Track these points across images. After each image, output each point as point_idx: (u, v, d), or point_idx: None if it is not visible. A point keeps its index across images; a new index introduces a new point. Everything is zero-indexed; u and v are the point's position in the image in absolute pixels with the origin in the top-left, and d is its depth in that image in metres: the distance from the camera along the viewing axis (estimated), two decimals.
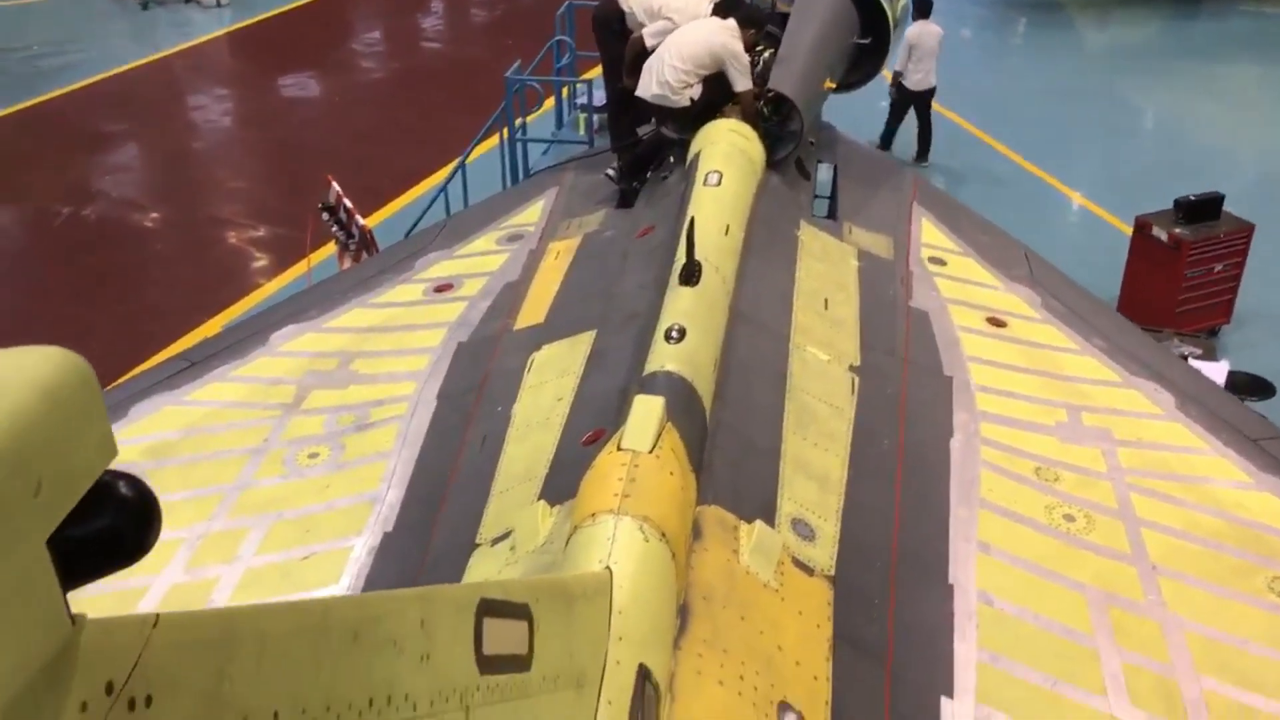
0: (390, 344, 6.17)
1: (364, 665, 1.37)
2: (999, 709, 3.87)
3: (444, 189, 10.55)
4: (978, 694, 3.93)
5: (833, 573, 4.15)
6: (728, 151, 6.30)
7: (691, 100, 6.75)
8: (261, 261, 12.68)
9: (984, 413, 5.37)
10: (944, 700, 3.89)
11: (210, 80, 19.11)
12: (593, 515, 3.50)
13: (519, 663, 2.03)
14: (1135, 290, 9.88)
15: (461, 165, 10.64)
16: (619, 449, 3.76)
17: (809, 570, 4.09)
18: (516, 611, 2.04)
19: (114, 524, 0.96)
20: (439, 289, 6.70)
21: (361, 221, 9.26)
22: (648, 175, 7.21)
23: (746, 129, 6.63)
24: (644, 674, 3.05)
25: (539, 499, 4.31)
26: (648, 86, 6.84)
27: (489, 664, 1.82)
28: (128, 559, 0.97)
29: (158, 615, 1.03)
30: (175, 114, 17.54)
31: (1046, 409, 5.47)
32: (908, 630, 4.10)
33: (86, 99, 17.80)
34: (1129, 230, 10.74)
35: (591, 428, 4.63)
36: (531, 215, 7.41)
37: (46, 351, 0.97)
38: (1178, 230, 9.69)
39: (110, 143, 16.28)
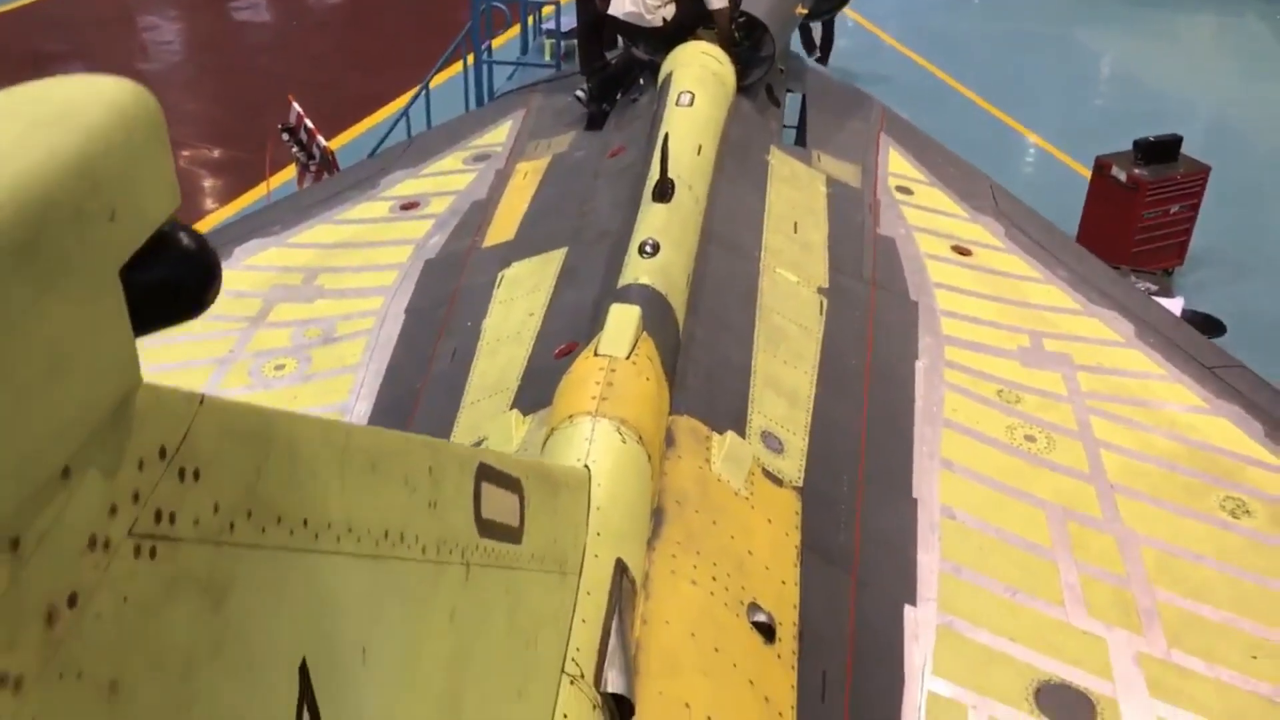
0: (357, 260, 6.12)
1: (381, 496, 1.38)
2: (960, 616, 3.97)
3: (405, 112, 10.41)
4: (940, 602, 4.03)
5: (801, 484, 4.21)
6: (700, 74, 6.27)
7: (664, 20, 6.69)
8: (218, 184, 12.46)
9: (948, 337, 5.44)
10: (907, 608, 3.98)
11: (157, 2, 18.60)
12: (570, 417, 3.52)
13: (511, 534, 2.05)
14: (1092, 230, 9.99)
15: (425, 87, 10.49)
16: (596, 354, 3.78)
17: (778, 481, 4.15)
18: (510, 484, 2.05)
19: (176, 274, 0.95)
20: (405, 206, 6.64)
21: (323, 142, 9.12)
22: (618, 97, 7.16)
23: (718, 51, 6.60)
24: (621, 568, 3.10)
25: (511, 409, 4.33)
26: (621, 5, 6.77)
27: (486, 528, 1.84)
28: (187, 313, 0.96)
29: (203, 395, 1.02)
30: (122, 36, 17.08)
31: (1009, 334, 5.55)
32: (873, 541, 4.19)
33: (26, 19, 17.27)
34: (1086, 173, 10.85)
35: (563, 341, 4.64)
36: (499, 136, 7.34)
37: (119, 80, 0.94)
38: (1136, 171, 9.80)
39: (53, 65, 15.83)
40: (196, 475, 1.00)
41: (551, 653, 2.45)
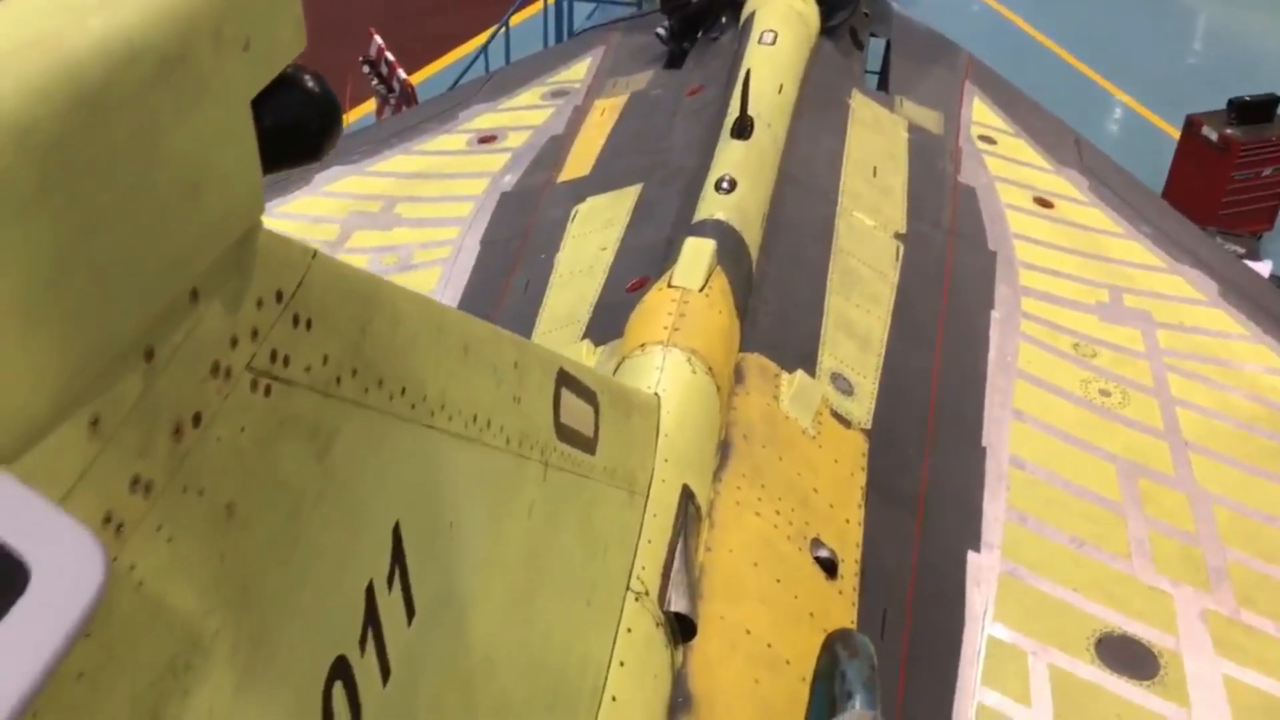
0: (434, 190, 6.17)
1: (471, 380, 1.41)
2: (1024, 565, 3.95)
3: (484, 49, 10.41)
4: (1004, 549, 4.01)
5: (869, 427, 4.20)
6: (784, 13, 6.19)
7: None
8: None
9: (1026, 288, 5.36)
10: (970, 553, 3.97)
11: None
12: (641, 346, 3.54)
13: (587, 444, 2.08)
14: (1179, 190, 9.74)
15: (504, 24, 10.47)
16: (669, 286, 3.79)
17: (846, 422, 4.14)
18: (587, 395, 2.08)
19: (300, 115, 0.98)
20: (483, 140, 6.67)
21: (403, 75, 9.17)
22: (698, 36, 7.09)
23: None
24: (688, 494, 3.13)
25: (582, 340, 4.36)
26: None
27: (563, 432, 1.87)
28: (308, 156, 0.99)
29: (316, 250, 1.06)
30: None
31: (1088, 288, 5.46)
32: (939, 487, 4.17)
33: None
34: (1175, 133, 10.55)
35: (636, 276, 4.65)
36: (577, 73, 7.32)
37: None
38: (1229, 131, 9.52)
39: None
40: (309, 325, 1.04)
41: (618, 568, 2.49)
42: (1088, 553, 4.04)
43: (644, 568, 2.75)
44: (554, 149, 6.31)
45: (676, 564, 2.92)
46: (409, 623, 1.25)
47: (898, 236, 5.32)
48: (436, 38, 13.90)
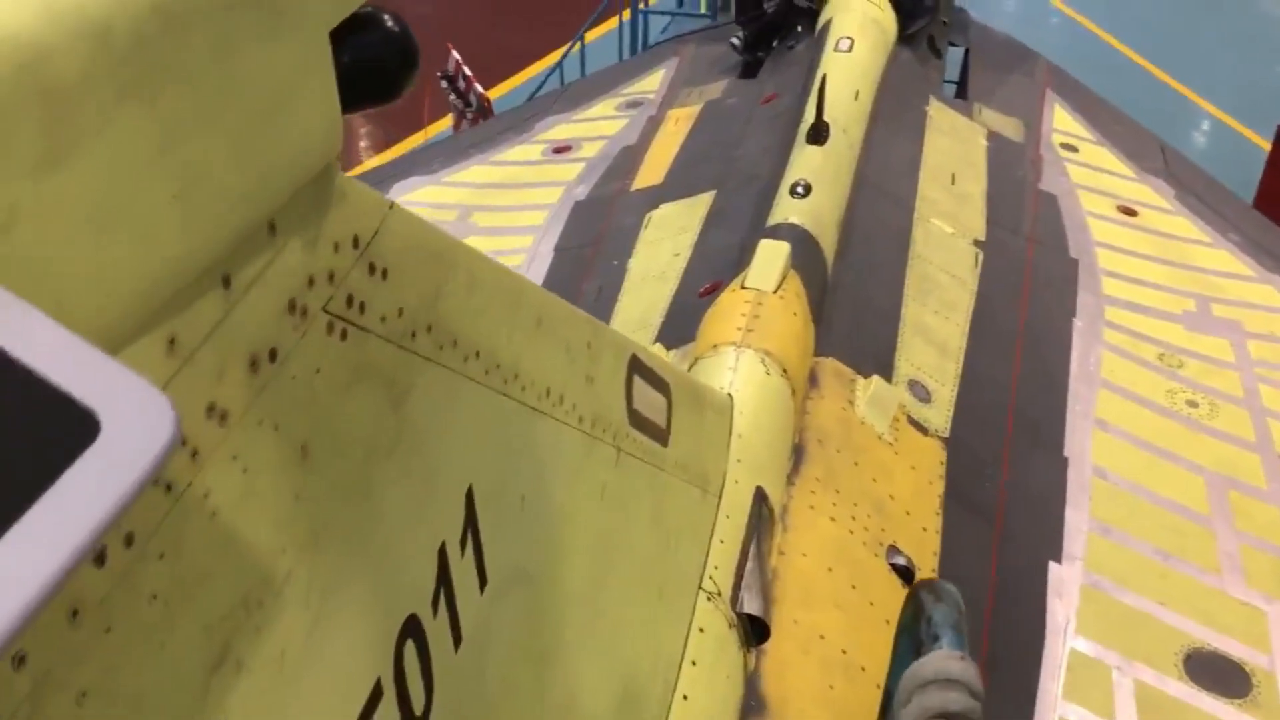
0: (509, 200, 6.21)
1: (544, 353, 1.40)
2: (1107, 577, 3.84)
3: (560, 64, 10.49)
4: (1086, 561, 3.90)
5: (947, 435, 4.12)
6: (860, 20, 6.14)
7: None
8: (376, 131, 12.78)
9: (1109, 297, 5.24)
10: (1052, 564, 3.87)
11: None
12: (714, 347, 3.52)
13: (659, 434, 2.06)
14: (1271, 201, 9.44)
15: (579, 38, 10.55)
16: (743, 287, 3.76)
17: (924, 430, 4.07)
18: (659, 384, 2.06)
19: (380, 53, 0.98)
20: (558, 150, 6.70)
21: (480, 90, 9.27)
22: (773, 46, 7.07)
23: None
24: (761, 496, 3.09)
25: (655, 343, 4.34)
26: None
27: (636, 419, 1.85)
28: (385, 95, 0.99)
29: (392, 201, 1.06)
30: None
31: (1174, 297, 5.31)
32: (1020, 496, 4.07)
33: None
34: (1265, 145, 10.26)
35: (708, 281, 4.63)
36: (652, 83, 7.34)
37: None
38: None
39: None
40: (385, 275, 1.04)
41: (690, 565, 2.46)
42: (1175, 566, 3.92)
43: (716, 568, 2.71)
44: (627, 158, 6.32)
45: (750, 566, 2.88)
46: (481, 591, 1.24)
47: (976, 243, 5.24)
48: (513, 54, 14.04)
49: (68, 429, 0.53)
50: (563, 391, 1.46)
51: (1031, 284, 5.16)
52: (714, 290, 4.32)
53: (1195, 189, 6.33)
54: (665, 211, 5.47)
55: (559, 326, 1.47)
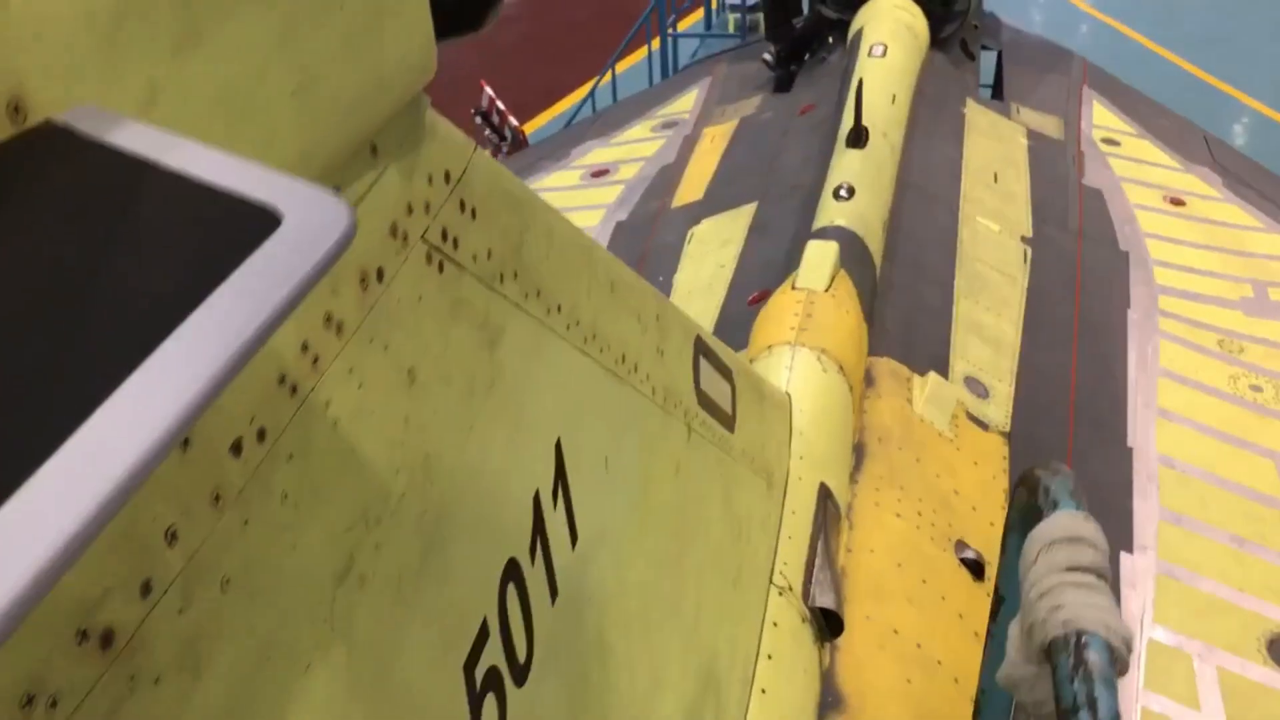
0: None
1: (618, 318, 1.40)
2: (1181, 565, 3.77)
3: (592, 94, 10.58)
4: (1159, 550, 3.83)
5: (1008, 430, 4.08)
6: (892, 26, 6.14)
7: None
8: None
9: (1163, 286, 5.17)
10: (1124, 555, 3.80)
11: None
12: (769, 348, 3.50)
13: (725, 419, 2.05)
14: None
15: (611, 66, 10.63)
16: (794, 288, 3.75)
17: (984, 425, 4.03)
18: (724, 371, 2.05)
19: None
20: (596, 174, 6.74)
21: (514, 123, 9.35)
22: (805, 59, 7.08)
23: (911, 5, 6.45)
24: (825, 493, 3.06)
25: None
26: None
27: (703, 399, 1.84)
28: (473, 23, 1.01)
29: (474, 143, 1.07)
30: None
31: (1230, 284, 5.24)
32: (1086, 488, 3.99)
33: None
34: None
35: (756, 290, 4.62)
36: (686, 104, 7.37)
37: None
38: None
39: None
40: (474, 214, 1.05)
41: (762, 556, 2.44)
42: (1250, 551, 3.83)
43: (786, 563, 2.69)
44: (666, 177, 6.34)
45: (819, 561, 2.85)
46: (573, 546, 1.23)
47: (1024, 240, 5.20)
48: (546, 89, 14.16)
49: (254, 223, 0.55)
50: (637, 360, 1.45)
51: (1083, 278, 5.11)
52: (762, 298, 4.31)
53: (1243, 176, 6.26)
54: (708, 226, 5.47)
55: (630, 294, 1.47)
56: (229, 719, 0.76)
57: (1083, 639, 1.16)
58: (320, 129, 0.84)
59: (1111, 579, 1.29)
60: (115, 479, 0.46)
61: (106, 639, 0.66)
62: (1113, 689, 1.14)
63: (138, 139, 0.60)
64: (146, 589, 0.69)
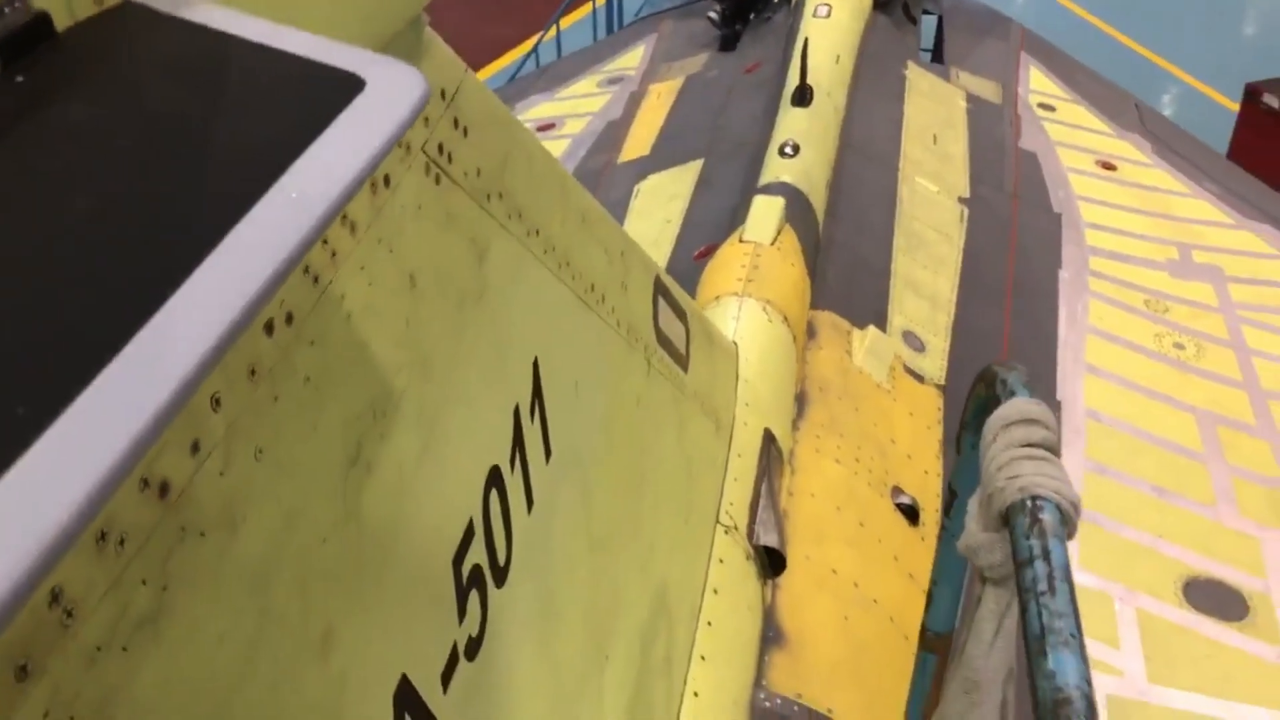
0: None
1: (588, 249, 1.46)
2: (1105, 514, 3.93)
3: (535, 50, 10.52)
4: (1084, 499, 3.98)
5: (943, 383, 4.20)
6: None
7: None
8: None
9: (1093, 248, 5.34)
10: None
11: None
12: (716, 298, 3.58)
13: (680, 359, 2.12)
14: (1242, 159, 9.55)
15: (555, 22, 10.58)
16: (741, 241, 3.82)
17: (920, 378, 4.15)
18: (679, 312, 2.12)
19: None
20: (541, 128, 6.74)
21: None
22: (750, 18, 7.13)
23: None
24: (769, 437, 3.15)
25: None
26: None
27: (661, 338, 1.91)
28: None
29: (465, 66, 1.12)
30: None
31: (1157, 246, 5.42)
32: None
33: None
34: (1234, 107, 10.40)
35: (702, 245, 4.69)
36: (632, 60, 7.39)
37: None
38: None
39: None
40: (466, 132, 1.10)
41: (709, 497, 2.52)
42: (1170, 500, 4.01)
43: (732, 503, 2.78)
44: (612, 133, 6.37)
45: (763, 502, 2.94)
46: (547, 460, 1.30)
47: (961, 201, 5.32)
48: (489, 44, 14.02)
49: (341, 87, 0.61)
50: (604, 292, 1.52)
51: (1017, 238, 5.25)
52: (709, 253, 4.38)
53: (1171, 143, 6.44)
54: (654, 181, 5.52)
55: (598, 227, 1.53)
56: (258, 578, 0.83)
57: (1037, 502, 1.30)
58: (343, 32, 0.88)
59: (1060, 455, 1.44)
60: (265, 276, 0.54)
61: (164, 489, 0.73)
62: (1063, 544, 1.28)
63: (214, 16, 0.66)
64: (195, 448, 0.76)
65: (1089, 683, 1.12)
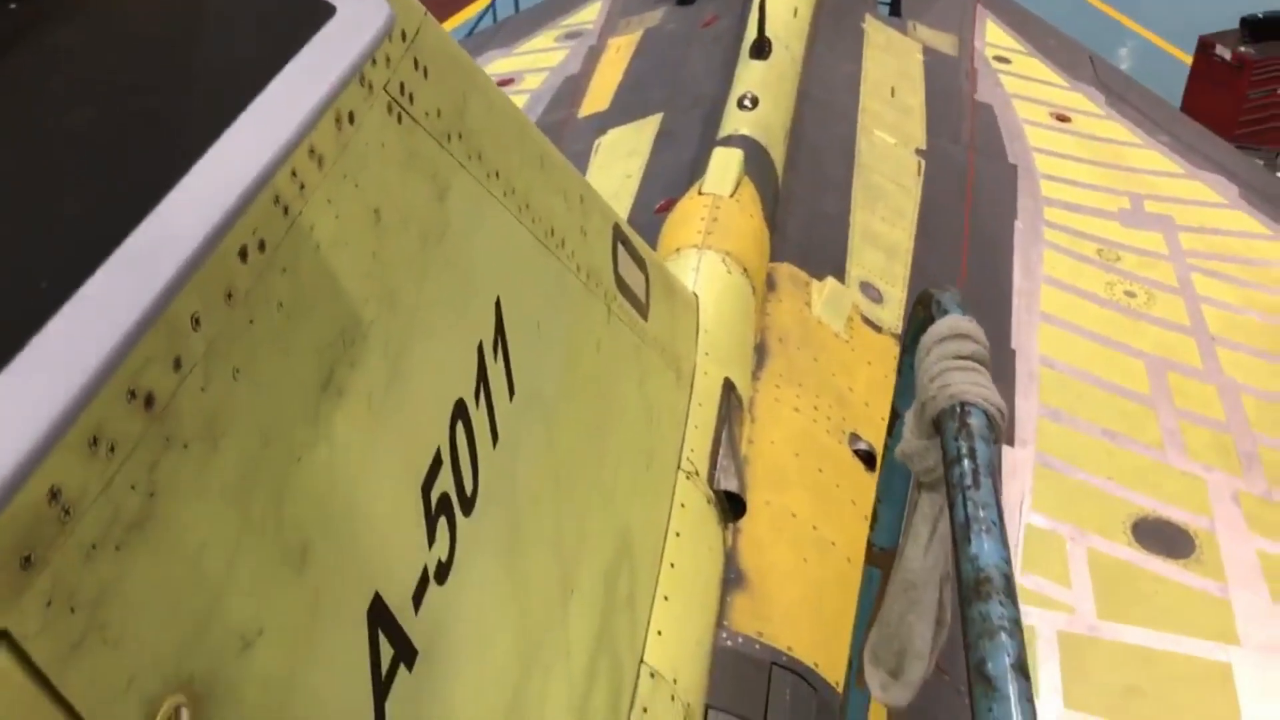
0: None
1: (547, 193, 1.50)
2: (1058, 457, 4.03)
3: (493, 3, 10.43)
4: (1038, 444, 4.09)
5: (900, 331, 4.27)
6: None
7: None
8: None
9: (1048, 199, 5.42)
10: (1005, 449, 4.05)
11: None
12: (677, 250, 3.61)
13: (640, 307, 2.16)
14: (1195, 111, 9.66)
15: None
16: (700, 194, 3.86)
17: (877, 328, 4.21)
18: (639, 261, 2.16)
19: None
20: (500, 84, 6.69)
21: None
22: None
23: None
24: (729, 386, 3.21)
25: None
26: None
27: (621, 285, 1.95)
28: None
29: (424, 9, 1.15)
30: None
31: (1109, 196, 5.51)
32: None
33: None
34: (1188, 59, 10.52)
35: (663, 199, 4.72)
36: (590, 14, 7.36)
37: None
38: (1242, 49, 9.48)
39: None
40: (426, 73, 1.13)
41: (670, 444, 2.58)
42: (1121, 443, 4.12)
43: (693, 450, 2.83)
44: (572, 87, 6.36)
45: (723, 449, 3.01)
46: (510, 397, 1.34)
47: (918, 153, 5.38)
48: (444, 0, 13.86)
49: (314, 12, 0.65)
50: (564, 236, 1.55)
51: (973, 190, 5.32)
52: (668, 207, 4.41)
53: (1125, 95, 6.53)
54: (614, 136, 5.53)
55: (557, 172, 1.57)
56: (238, 491, 0.88)
57: (966, 407, 1.39)
58: None
59: (992, 368, 1.53)
60: (243, 186, 0.58)
61: (149, 400, 0.78)
62: (989, 444, 1.37)
63: None
64: (178, 364, 0.81)
65: (1008, 563, 1.20)
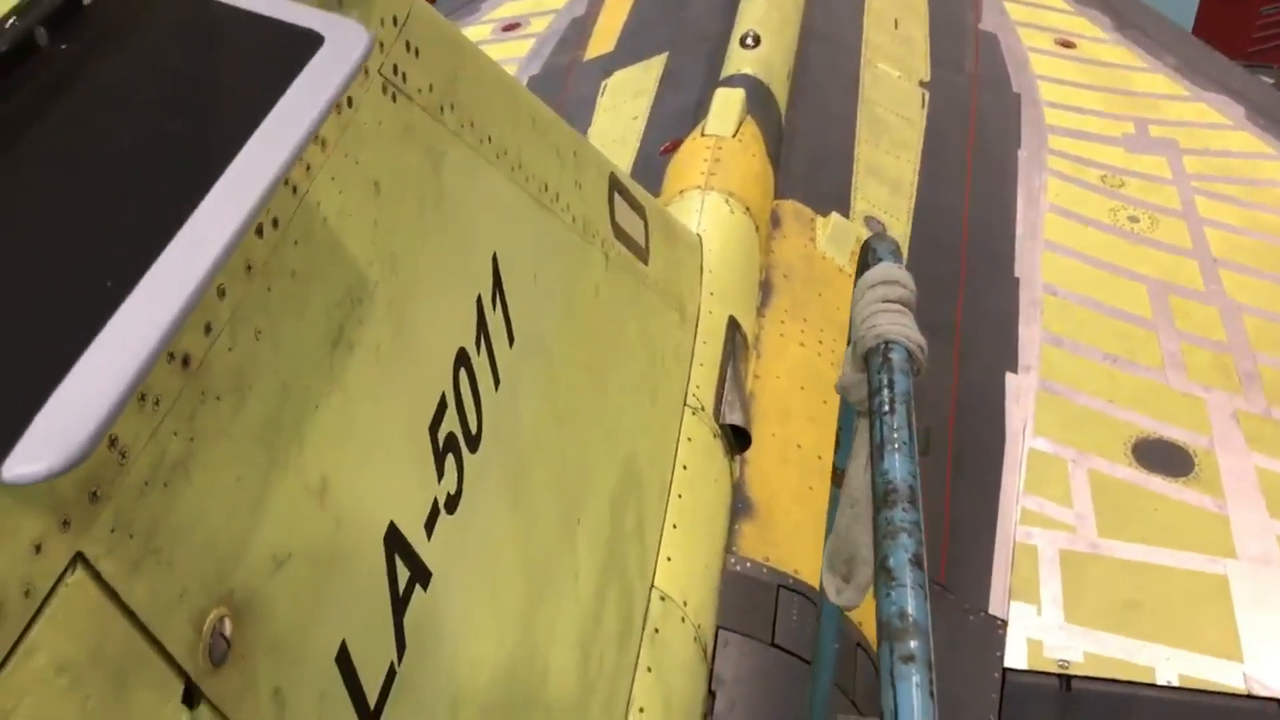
0: None
1: (539, 151, 1.60)
2: (1060, 382, 4.13)
3: None
4: (1041, 370, 4.18)
5: (904, 265, 4.36)
6: None
7: None
8: None
9: (1052, 126, 5.45)
10: (1009, 375, 4.15)
11: None
12: (680, 192, 3.70)
13: (640, 252, 2.27)
14: (1207, 29, 9.60)
15: None
16: (702, 135, 3.94)
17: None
18: (637, 207, 2.26)
19: None
20: (507, 28, 6.76)
21: None
22: None
23: None
24: (734, 324, 3.32)
25: None
26: None
27: (619, 232, 2.05)
28: None
29: None
30: None
31: (1114, 122, 5.53)
32: (976, 316, 4.33)
33: None
34: None
35: (669, 139, 4.79)
36: None
37: None
38: None
39: None
40: (417, 53, 1.24)
41: (676, 381, 2.69)
42: (1121, 367, 4.20)
43: (699, 386, 2.95)
44: (577, 30, 6.40)
45: (729, 384, 3.12)
46: (510, 344, 1.46)
47: (922, 84, 5.42)
48: None
49: (305, 42, 0.77)
50: (558, 191, 1.66)
51: (977, 120, 5.36)
52: (674, 147, 4.49)
53: (1131, 17, 6.51)
54: (620, 77, 5.59)
55: (549, 129, 1.67)
56: (264, 434, 1.02)
57: (890, 345, 1.56)
58: None
59: (917, 311, 1.70)
60: (256, 197, 0.70)
61: (186, 361, 0.93)
62: (908, 376, 1.54)
63: None
64: (208, 329, 0.95)
65: (915, 476, 1.34)
